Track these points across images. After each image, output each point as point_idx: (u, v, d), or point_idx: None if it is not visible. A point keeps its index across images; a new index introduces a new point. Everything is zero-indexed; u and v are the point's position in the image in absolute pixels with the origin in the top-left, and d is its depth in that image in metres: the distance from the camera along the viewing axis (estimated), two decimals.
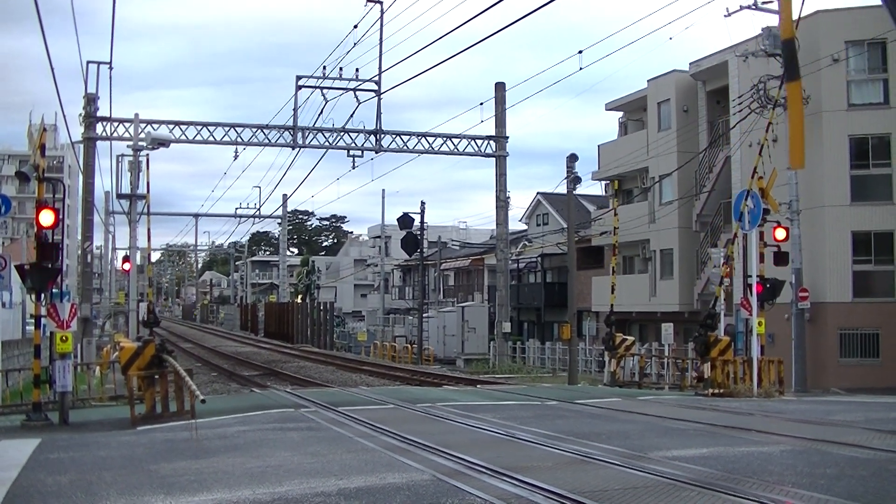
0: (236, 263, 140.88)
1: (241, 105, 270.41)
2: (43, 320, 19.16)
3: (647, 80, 53.40)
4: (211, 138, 45.36)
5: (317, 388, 29.87)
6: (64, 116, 57.22)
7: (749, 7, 34.29)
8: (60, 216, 18.92)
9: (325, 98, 45.39)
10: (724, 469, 11.19)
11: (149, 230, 24.86)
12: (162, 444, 15.02)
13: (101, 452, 14.24)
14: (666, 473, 10.87)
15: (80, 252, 49.86)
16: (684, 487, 10.07)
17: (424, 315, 62.21)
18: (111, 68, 42.03)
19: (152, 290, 29.55)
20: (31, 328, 22.48)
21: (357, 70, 44.93)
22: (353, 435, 15.26)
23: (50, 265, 18.49)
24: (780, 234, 27.38)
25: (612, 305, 33.77)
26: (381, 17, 43.20)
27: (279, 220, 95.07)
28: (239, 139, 46.00)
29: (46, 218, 18.28)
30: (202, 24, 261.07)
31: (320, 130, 46.67)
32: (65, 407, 18.73)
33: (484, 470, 11.19)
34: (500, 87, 49.36)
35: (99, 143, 44.84)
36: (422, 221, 60.41)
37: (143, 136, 41.08)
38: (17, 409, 21.07)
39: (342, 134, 46.56)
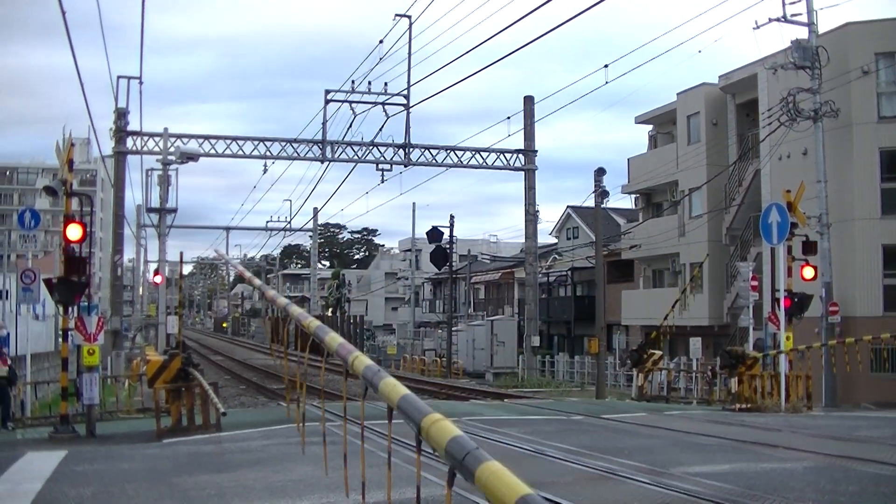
0: (268, 276, 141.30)
1: (271, 118, 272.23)
2: (70, 333, 19.32)
3: (677, 94, 53.27)
4: (240, 152, 45.58)
5: None
6: (94, 131, 58.04)
7: (778, 20, 34.13)
8: (89, 230, 19.09)
9: (353, 112, 45.49)
10: (745, 485, 11.12)
11: (181, 262, 25.05)
12: (186, 457, 15.10)
13: (126, 465, 14.34)
14: (686, 490, 10.81)
15: (111, 265, 50.20)
16: None
17: (454, 328, 62.14)
18: (141, 83, 42.28)
19: (181, 317, 29.62)
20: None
21: (386, 84, 45.02)
22: (375, 449, 15.22)
23: (77, 279, 18.65)
24: (808, 273, 27.65)
25: (664, 325, 33.48)
26: (410, 30, 43.31)
27: (310, 234, 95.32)
28: (268, 153, 46.20)
29: (74, 232, 18.44)
30: (233, 39, 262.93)
31: (349, 144, 46.79)
32: (91, 419, 18.86)
33: None
34: (528, 101, 49.34)
35: (130, 157, 45.18)
36: (451, 235, 60.46)
37: (172, 150, 41.31)
38: (45, 420, 21.29)
39: (371, 148, 46.66)
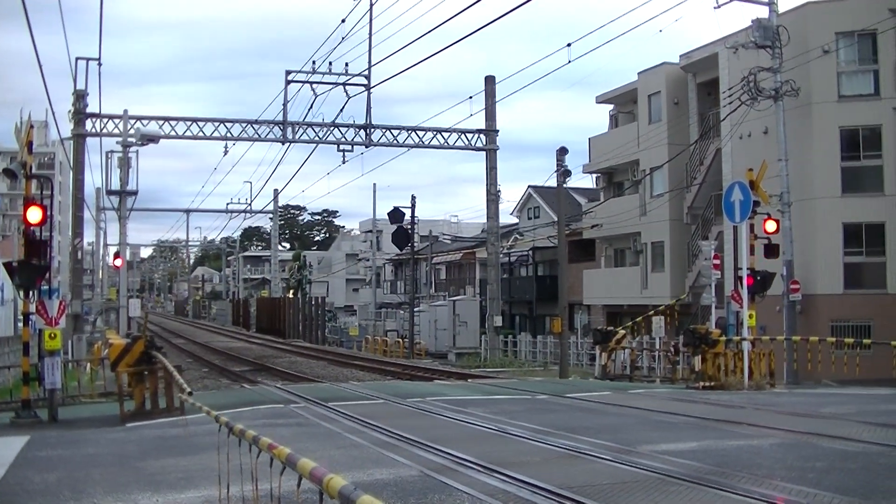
0: (228, 259, 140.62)
1: (233, 100, 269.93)
2: (32, 317, 19.09)
3: (638, 73, 53.38)
4: (201, 134, 45.30)
5: (307, 384, 29.78)
6: (53, 113, 57.34)
7: None
8: (49, 213, 18.84)
9: (314, 93, 45.30)
10: (714, 463, 11.17)
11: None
12: (151, 440, 14.98)
13: (90, 450, 14.20)
14: (655, 468, 10.84)
15: (71, 248, 49.72)
16: (673, 482, 10.05)
17: (416, 309, 62.10)
18: (100, 64, 41.75)
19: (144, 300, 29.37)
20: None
21: (347, 64, 44.87)
22: (342, 431, 15.22)
23: (38, 262, 18.43)
24: (771, 226, 27.45)
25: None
26: (371, 10, 43.24)
27: (271, 215, 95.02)
28: (229, 134, 45.92)
29: (34, 215, 18.21)
30: (194, 20, 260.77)
31: (310, 125, 46.61)
32: (54, 404, 18.67)
33: (472, 465, 11.16)
34: (489, 81, 49.36)
35: (89, 139, 44.76)
36: (412, 215, 60.27)
37: (132, 132, 40.90)
38: (6, 406, 21.02)
39: (332, 128, 46.51)
